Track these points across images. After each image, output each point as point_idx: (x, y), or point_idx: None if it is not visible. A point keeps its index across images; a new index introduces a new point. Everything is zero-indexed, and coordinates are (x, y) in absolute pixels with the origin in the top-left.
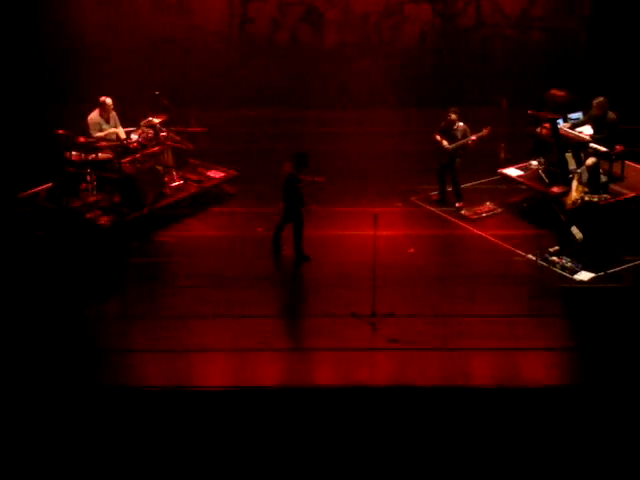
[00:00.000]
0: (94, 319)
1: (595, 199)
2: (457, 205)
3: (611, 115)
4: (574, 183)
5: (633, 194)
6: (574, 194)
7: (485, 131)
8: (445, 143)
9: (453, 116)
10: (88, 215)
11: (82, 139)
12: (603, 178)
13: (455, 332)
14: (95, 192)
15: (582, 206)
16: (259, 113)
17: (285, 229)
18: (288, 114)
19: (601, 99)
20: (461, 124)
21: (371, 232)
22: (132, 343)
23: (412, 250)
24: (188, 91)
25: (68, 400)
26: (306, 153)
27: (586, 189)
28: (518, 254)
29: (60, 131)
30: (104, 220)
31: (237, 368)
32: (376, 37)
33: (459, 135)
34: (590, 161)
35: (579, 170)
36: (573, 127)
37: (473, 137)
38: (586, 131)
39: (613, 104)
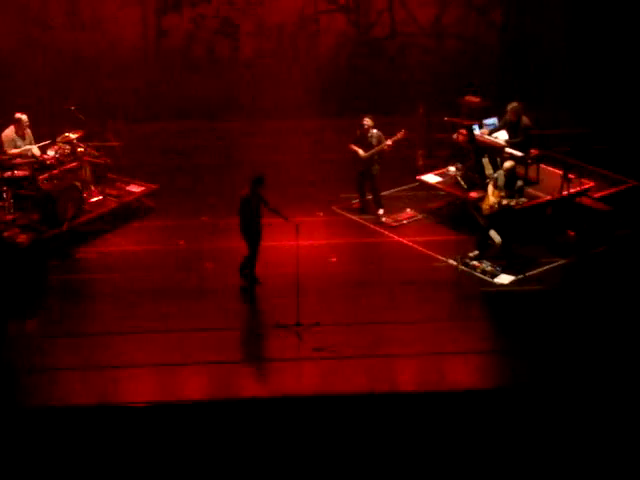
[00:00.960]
0: (15, 338)
1: (512, 203)
2: (378, 213)
3: (525, 120)
4: (490, 188)
5: (549, 197)
6: (491, 199)
7: (400, 134)
8: (361, 152)
9: (367, 124)
10: (6, 234)
11: None
12: (519, 182)
13: (379, 339)
14: (12, 210)
15: (499, 210)
16: (178, 126)
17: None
18: (206, 126)
19: (515, 104)
20: (375, 131)
21: (293, 242)
22: (55, 362)
23: (334, 259)
24: (105, 104)
25: None
26: (263, 175)
27: (502, 193)
28: (439, 259)
29: None
30: (22, 238)
31: (162, 383)
32: (292, 48)
33: (374, 142)
34: (507, 165)
35: (495, 175)
36: (490, 133)
37: (389, 142)
38: (501, 136)
39: (526, 109)
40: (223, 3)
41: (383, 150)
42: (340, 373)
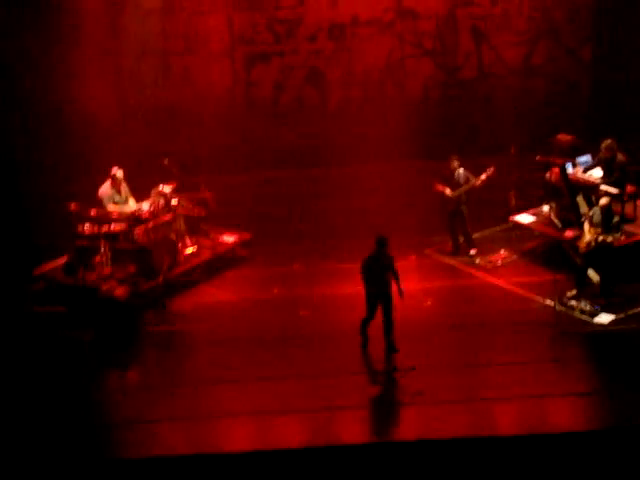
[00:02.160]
0: (113, 390)
1: (609, 239)
2: (471, 253)
3: (620, 157)
4: (586, 225)
5: None
6: (587, 236)
7: (489, 171)
8: (447, 191)
9: (454, 164)
10: (104, 287)
11: (94, 212)
12: (615, 218)
13: (478, 382)
14: (109, 264)
15: (597, 248)
16: (269, 175)
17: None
18: (296, 174)
19: (609, 141)
20: (462, 170)
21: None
22: (153, 413)
23: (429, 302)
24: (197, 157)
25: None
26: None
27: (599, 230)
28: (536, 300)
29: (73, 205)
30: (120, 291)
31: (261, 431)
32: (380, 94)
33: (462, 182)
34: (603, 201)
35: (591, 212)
36: (584, 171)
37: (482, 177)
38: (595, 174)
39: (620, 145)
40: (310, 52)
41: (474, 187)
42: (440, 418)
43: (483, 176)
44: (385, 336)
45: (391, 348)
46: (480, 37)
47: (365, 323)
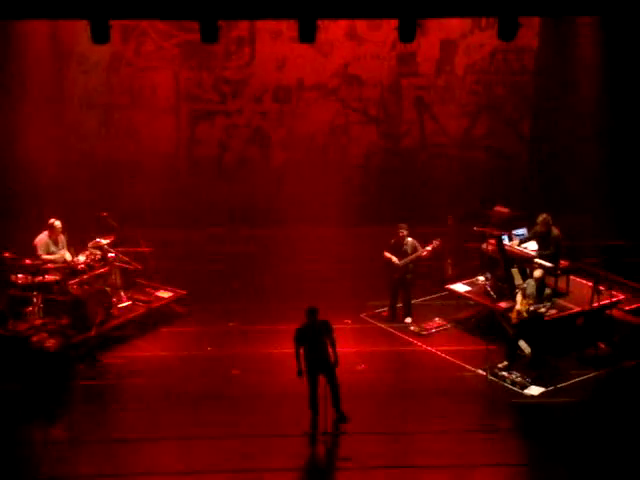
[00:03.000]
0: (40, 444)
1: (541, 310)
2: (406, 321)
3: (555, 231)
4: (519, 297)
5: (579, 309)
6: (518, 306)
7: (436, 242)
8: (395, 260)
9: (403, 233)
10: (34, 338)
11: (28, 261)
12: (548, 291)
13: (408, 449)
14: (42, 314)
15: (528, 319)
16: (209, 232)
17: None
18: (236, 233)
19: (545, 216)
20: (410, 239)
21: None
22: (78, 469)
23: (363, 366)
24: (137, 211)
25: None
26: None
27: (531, 301)
28: (468, 369)
29: (6, 253)
30: (50, 343)
31: None
32: (322, 157)
33: (409, 251)
34: (537, 274)
35: (525, 284)
36: (520, 243)
37: (424, 251)
38: (531, 247)
39: (556, 220)
40: (255, 113)
41: (420, 257)
42: None
43: (429, 247)
44: (334, 406)
45: (341, 418)
46: (423, 107)
47: (312, 399)
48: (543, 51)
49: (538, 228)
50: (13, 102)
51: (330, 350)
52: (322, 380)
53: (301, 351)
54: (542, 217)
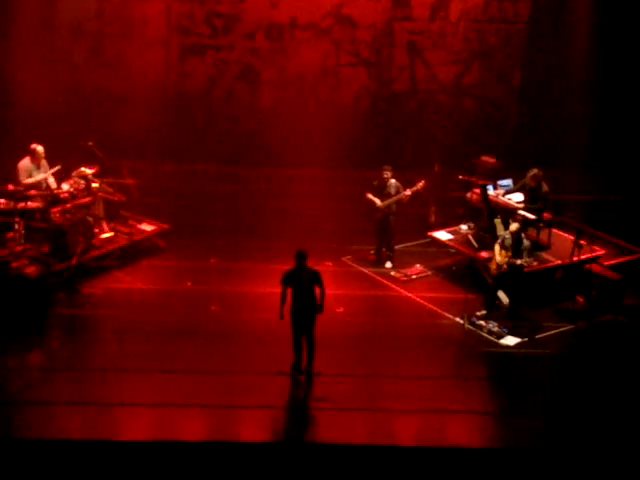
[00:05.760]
0: (15, 370)
1: (519, 262)
2: (387, 266)
3: (545, 187)
4: (497, 247)
5: (559, 262)
6: (498, 258)
7: (419, 185)
8: (378, 201)
9: (386, 174)
10: (14, 264)
11: (11, 187)
12: (526, 243)
13: (381, 392)
14: (23, 241)
15: (508, 271)
16: (194, 168)
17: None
18: (222, 170)
19: (535, 171)
20: (393, 181)
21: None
22: (52, 396)
23: (341, 309)
24: (124, 142)
25: None
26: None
27: (510, 253)
28: (446, 317)
29: None
30: (31, 270)
31: (159, 422)
32: (312, 98)
33: (392, 192)
34: (513, 227)
35: (505, 235)
36: (504, 194)
37: (407, 192)
38: (515, 198)
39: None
40: (246, 50)
41: (401, 200)
42: (340, 424)
43: (409, 191)
44: (307, 363)
45: (309, 375)
46: (415, 52)
47: (296, 342)
48: (537, 1)
49: (527, 182)
50: (3, 29)
51: (318, 297)
52: None
53: (288, 294)
54: (533, 172)
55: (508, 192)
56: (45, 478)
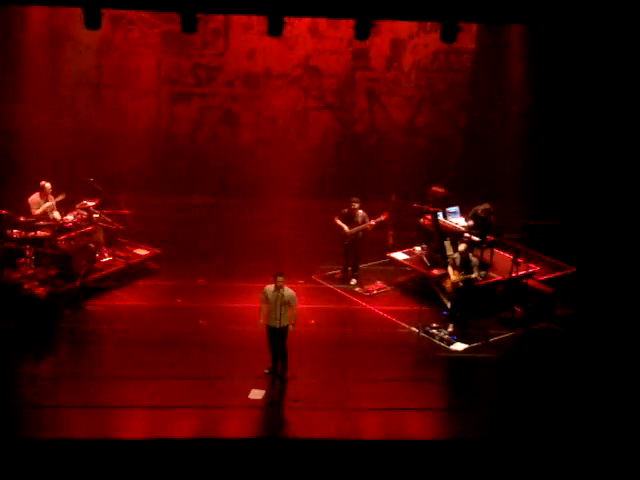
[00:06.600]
0: (27, 377)
1: (474, 276)
2: (352, 283)
3: (492, 219)
4: (450, 268)
5: (500, 278)
6: (453, 277)
7: (382, 217)
8: (346, 228)
9: (355, 206)
10: (26, 286)
11: (23, 218)
12: (474, 259)
13: (348, 393)
14: (33, 266)
15: (463, 287)
16: (182, 201)
17: None
18: (206, 202)
19: (487, 206)
20: (361, 212)
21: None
22: (60, 401)
23: (313, 321)
24: (119, 178)
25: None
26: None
27: (463, 272)
28: (403, 326)
29: (3, 211)
30: (40, 290)
31: (154, 422)
32: (284, 137)
33: (359, 221)
34: (461, 247)
35: (455, 256)
36: (451, 219)
37: (372, 222)
38: (461, 222)
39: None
40: (227, 97)
41: (366, 229)
42: (313, 421)
43: (374, 221)
44: (282, 369)
45: (283, 380)
46: (373, 98)
47: (271, 349)
48: (479, 53)
49: (479, 213)
50: (16, 82)
51: (290, 315)
52: None
53: (264, 308)
54: (484, 206)
55: (455, 218)
56: (53, 473)
